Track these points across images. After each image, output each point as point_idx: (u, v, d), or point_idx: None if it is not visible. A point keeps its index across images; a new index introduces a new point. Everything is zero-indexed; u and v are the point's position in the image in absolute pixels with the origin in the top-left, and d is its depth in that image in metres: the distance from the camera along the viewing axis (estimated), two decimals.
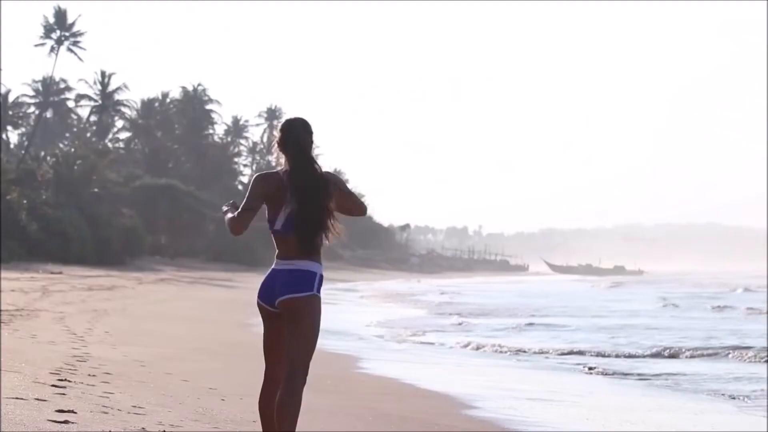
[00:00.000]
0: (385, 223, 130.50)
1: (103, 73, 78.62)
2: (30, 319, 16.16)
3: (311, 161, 5.30)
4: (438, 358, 16.67)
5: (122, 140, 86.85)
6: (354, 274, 77.03)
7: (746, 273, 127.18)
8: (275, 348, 5.32)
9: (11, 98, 79.53)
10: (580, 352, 17.81)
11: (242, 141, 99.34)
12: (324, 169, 5.31)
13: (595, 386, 13.37)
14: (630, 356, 17.41)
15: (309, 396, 9.27)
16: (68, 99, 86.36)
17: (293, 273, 5.23)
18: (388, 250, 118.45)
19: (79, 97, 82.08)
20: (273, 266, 5.32)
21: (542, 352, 17.89)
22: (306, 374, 5.23)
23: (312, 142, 5.34)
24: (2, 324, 14.33)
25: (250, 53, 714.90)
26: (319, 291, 5.26)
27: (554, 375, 14.57)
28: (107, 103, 79.50)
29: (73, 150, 62.35)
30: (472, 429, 8.92)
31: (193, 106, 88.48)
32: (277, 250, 5.33)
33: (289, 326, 5.24)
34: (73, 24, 69.69)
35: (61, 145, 72.52)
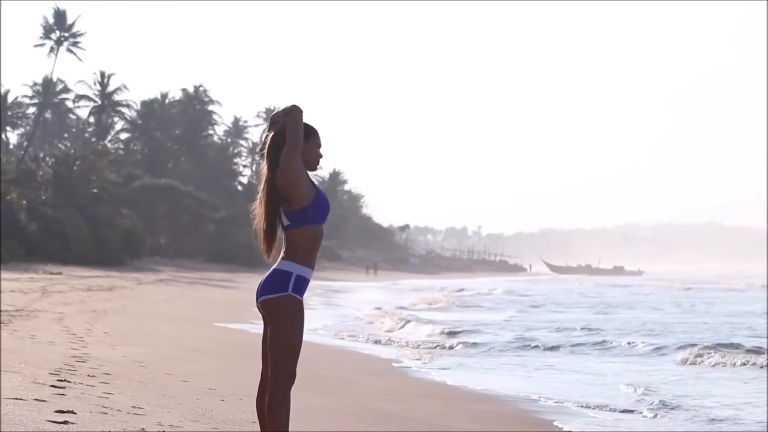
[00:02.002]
0: (385, 224, 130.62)
1: (102, 74, 78.61)
2: (29, 319, 16.15)
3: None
4: (440, 358, 16.66)
5: (122, 141, 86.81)
6: (353, 274, 76.95)
7: (740, 273, 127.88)
8: (266, 349, 5.31)
9: (10, 98, 79.45)
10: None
11: (242, 141, 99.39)
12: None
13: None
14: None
15: (309, 396, 9.28)
16: (67, 99, 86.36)
17: (270, 274, 5.23)
18: (388, 251, 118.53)
19: (79, 97, 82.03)
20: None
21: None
22: (288, 376, 5.14)
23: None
24: (2, 324, 14.32)
25: (250, 53, 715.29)
26: (296, 292, 5.15)
27: (556, 375, 14.58)
28: (107, 104, 79.45)
29: (72, 150, 62.27)
30: (473, 429, 8.90)
31: (194, 106, 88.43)
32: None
33: (269, 328, 5.25)
34: (72, 24, 69.57)
35: (60, 146, 72.47)
